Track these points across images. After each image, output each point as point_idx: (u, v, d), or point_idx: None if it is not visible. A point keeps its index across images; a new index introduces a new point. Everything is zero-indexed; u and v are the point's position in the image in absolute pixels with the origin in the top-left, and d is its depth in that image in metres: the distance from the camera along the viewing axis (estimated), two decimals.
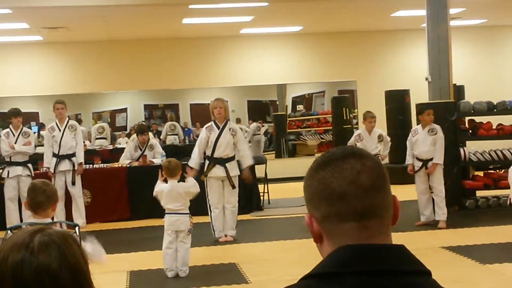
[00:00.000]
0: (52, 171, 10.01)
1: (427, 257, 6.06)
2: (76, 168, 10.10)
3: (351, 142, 9.75)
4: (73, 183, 10.09)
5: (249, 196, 10.72)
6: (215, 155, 8.61)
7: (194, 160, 8.60)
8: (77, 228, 4.21)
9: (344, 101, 15.52)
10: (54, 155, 10.08)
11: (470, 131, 10.40)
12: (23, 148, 9.97)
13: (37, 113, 15.62)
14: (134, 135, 12.38)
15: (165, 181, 6.98)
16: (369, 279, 1.26)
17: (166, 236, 6.91)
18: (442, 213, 9.02)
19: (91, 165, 10.86)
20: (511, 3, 13.21)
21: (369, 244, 1.30)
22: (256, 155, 13.99)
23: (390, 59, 16.08)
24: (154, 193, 6.97)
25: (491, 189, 10.05)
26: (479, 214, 9.71)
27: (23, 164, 10.00)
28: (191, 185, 7.01)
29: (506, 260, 7.00)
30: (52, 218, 4.41)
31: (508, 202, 6.71)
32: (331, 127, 15.98)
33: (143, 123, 14.86)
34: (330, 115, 15.94)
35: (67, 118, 10.31)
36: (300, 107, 16.94)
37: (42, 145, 11.21)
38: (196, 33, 14.80)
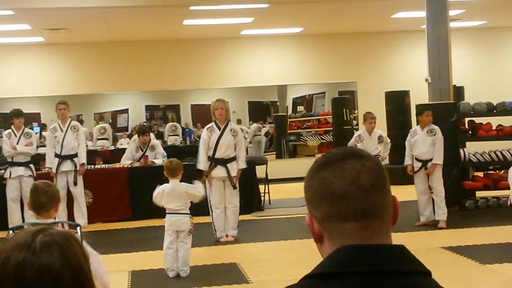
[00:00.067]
0: (54, 172, 10.04)
1: (427, 258, 6.10)
2: (78, 169, 10.14)
3: (351, 143, 9.77)
4: (75, 184, 10.11)
5: (250, 197, 10.75)
6: (216, 156, 8.64)
7: (203, 163, 8.65)
8: (78, 228, 4.24)
9: (345, 102, 15.55)
10: (56, 155, 10.11)
11: (470, 132, 10.42)
12: (25, 149, 10.00)
13: (39, 113, 15.64)
14: (135, 136, 12.42)
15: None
16: (369, 279, 1.27)
17: (167, 236, 6.93)
18: (442, 213, 9.05)
19: (92, 166, 10.89)
20: (511, 4, 13.23)
21: (369, 245, 1.31)
22: (257, 155, 14.04)
23: (390, 60, 16.11)
24: (154, 195, 6.94)
25: (491, 189, 10.07)
26: (479, 215, 9.73)
27: (25, 164, 10.02)
28: (196, 188, 6.96)
29: (506, 260, 7.01)
30: (54, 218, 4.44)
31: (508, 203, 6.75)
32: (331, 128, 15.99)
33: (144, 123, 14.88)
34: (331, 116, 15.95)
35: (69, 119, 10.35)
36: (300, 108, 16.96)
37: (44, 146, 11.25)
38: (197, 34, 14.83)
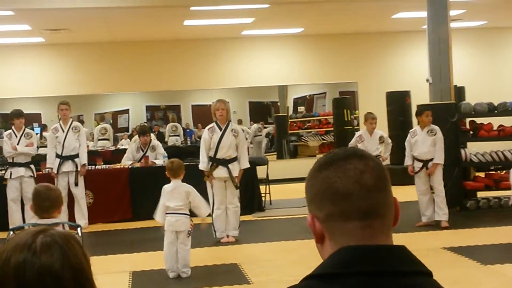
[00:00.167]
0: (55, 172, 10.04)
1: (428, 258, 6.10)
2: (79, 169, 10.14)
3: (352, 143, 9.77)
4: (76, 184, 10.11)
5: (251, 197, 10.75)
6: (218, 156, 8.64)
7: (205, 164, 8.65)
8: (79, 229, 4.25)
9: (345, 102, 15.55)
10: (57, 156, 10.11)
11: (471, 132, 10.42)
12: (25, 149, 10.00)
13: (40, 114, 15.65)
14: (136, 136, 12.42)
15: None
16: (369, 280, 1.27)
17: (167, 236, 6.94)
18: (443, 213, 9.04)
19: (93, 166, 10.89)
20: (511, 4, 13.23)
21: (370, 245, 1.31)
22: (258, 156, 14.03)
23: (390, 60, 16.10)
24: (155, 213, 7.01)
25: (492, 190, 10.07)
26: (480, 215, 9.73)
27: (26, 165, 10.03)
28: (203, 203, 7.09)
29: (507, 260, 7.00)
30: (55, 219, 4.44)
31: (510, 203, 6.75)
32: (332, 128, 15.99)
33: (145, 124, 14.89)
34: (331, 116, 15.95)
35: (71, 119, 10.35)
36: (301, 108, 16.96)
37: (45, 146, 11.25)
38: (198, 35, 14.83)
